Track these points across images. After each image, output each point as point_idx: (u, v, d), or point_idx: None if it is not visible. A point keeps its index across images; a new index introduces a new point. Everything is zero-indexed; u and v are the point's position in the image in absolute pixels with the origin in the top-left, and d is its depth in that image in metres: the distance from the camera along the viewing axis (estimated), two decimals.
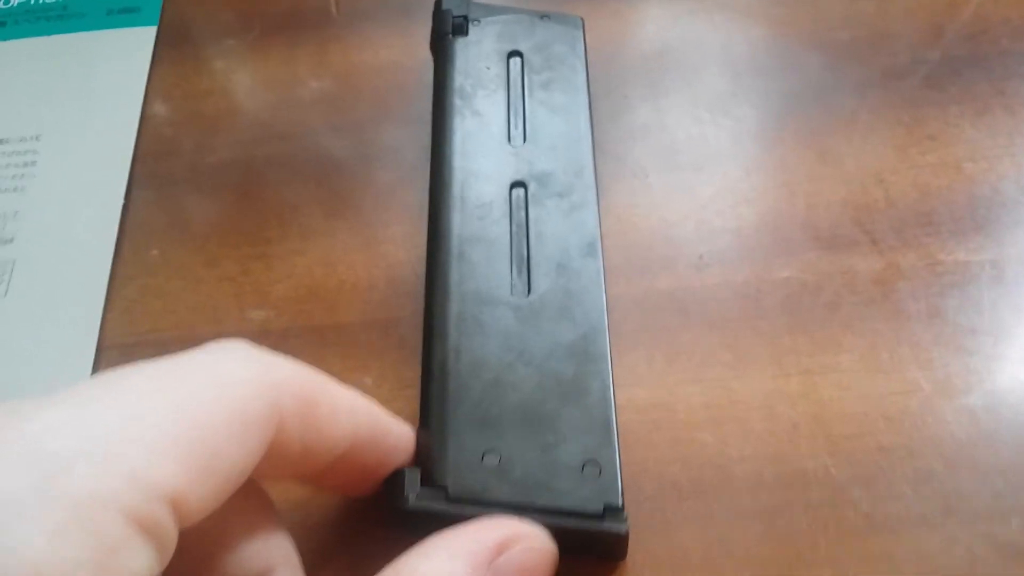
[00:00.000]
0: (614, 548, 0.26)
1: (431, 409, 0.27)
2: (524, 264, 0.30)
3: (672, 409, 0.30)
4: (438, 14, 0.36)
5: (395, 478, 0.25)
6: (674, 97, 0.37)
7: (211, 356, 0.20)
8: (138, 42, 0.43)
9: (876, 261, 0.32)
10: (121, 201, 0.37)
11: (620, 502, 0.25)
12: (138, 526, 0.16)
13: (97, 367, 0.33)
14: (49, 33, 0.44)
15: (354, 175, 0.37)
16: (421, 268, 0.31)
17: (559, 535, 0.24)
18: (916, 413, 0.29)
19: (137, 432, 0.17)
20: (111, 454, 0.16)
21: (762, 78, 0.38)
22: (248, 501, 0.22)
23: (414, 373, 0.29)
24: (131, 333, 0.34)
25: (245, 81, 0.41)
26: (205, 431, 0.18)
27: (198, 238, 0.36)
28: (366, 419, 0.24)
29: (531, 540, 0.23)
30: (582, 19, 0.37)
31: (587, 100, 0.34)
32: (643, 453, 0.29)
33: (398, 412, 0.31)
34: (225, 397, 0.19)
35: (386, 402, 0.31)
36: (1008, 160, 0.34)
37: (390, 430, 0.25)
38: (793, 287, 0.32)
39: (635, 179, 0.35)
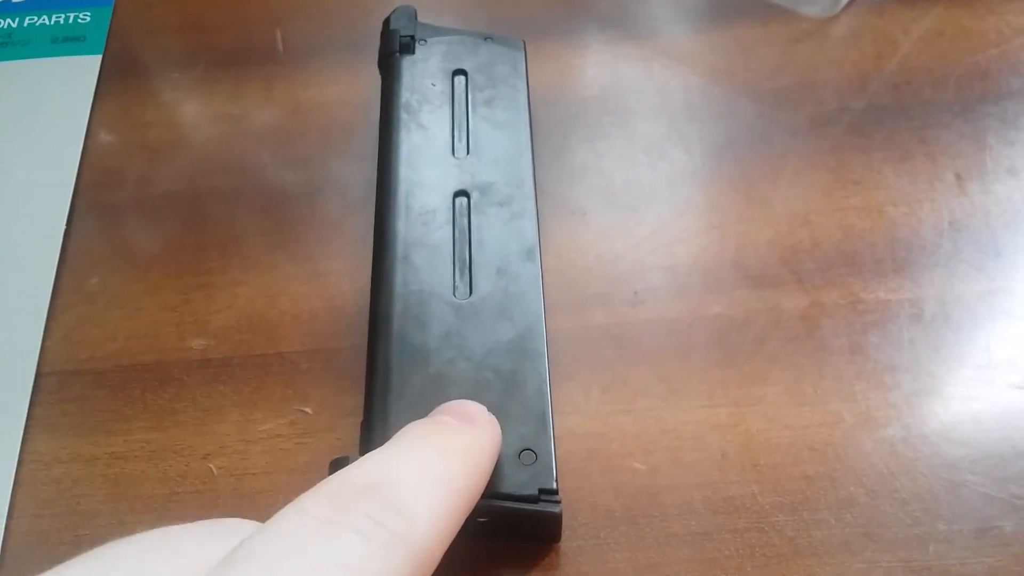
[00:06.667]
0: (549, 529, 0.28)
1: (374, 401, 0.28)
2: (466, 267, 0.31)
3: (606, 439, 0.31)
4: (386, 33, 0.38)
5: (339, 464, 0.26)
6: (612, 140, 0.39)
7: None
8: (83, 71, 0.43)
9: (801, 299, 0.34)
10: (62, 228, 0.37)
11: (554, 485, 0.27)
12: None
13: (36, 394, 0.33)
14: None
15: (298, 208, 0.38)
16: (364, 300, 0.32)
17: (498, 519, 0.26)
18: (839, 444, 0.30)
19: None
20: None
21: (696, 123, 0.39)
22: None
23: (355, 402, 0.30)
24: (70, 360, 0.34)
25: (190, 114, 0.41)
26: None
27: (139, 267, 0.36)
28: None
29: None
30: (524, 41, 0.38)
31: (528, 117, 0.36)
32: (578, 482, 0.30)
33: (337, 441, 0.31)
34: None
35: (326, 431, 0.32)
36: (928, 205, 0.36)
37: None
38: (723, 323, 0.33)
39: (574, 218, 0.36)
